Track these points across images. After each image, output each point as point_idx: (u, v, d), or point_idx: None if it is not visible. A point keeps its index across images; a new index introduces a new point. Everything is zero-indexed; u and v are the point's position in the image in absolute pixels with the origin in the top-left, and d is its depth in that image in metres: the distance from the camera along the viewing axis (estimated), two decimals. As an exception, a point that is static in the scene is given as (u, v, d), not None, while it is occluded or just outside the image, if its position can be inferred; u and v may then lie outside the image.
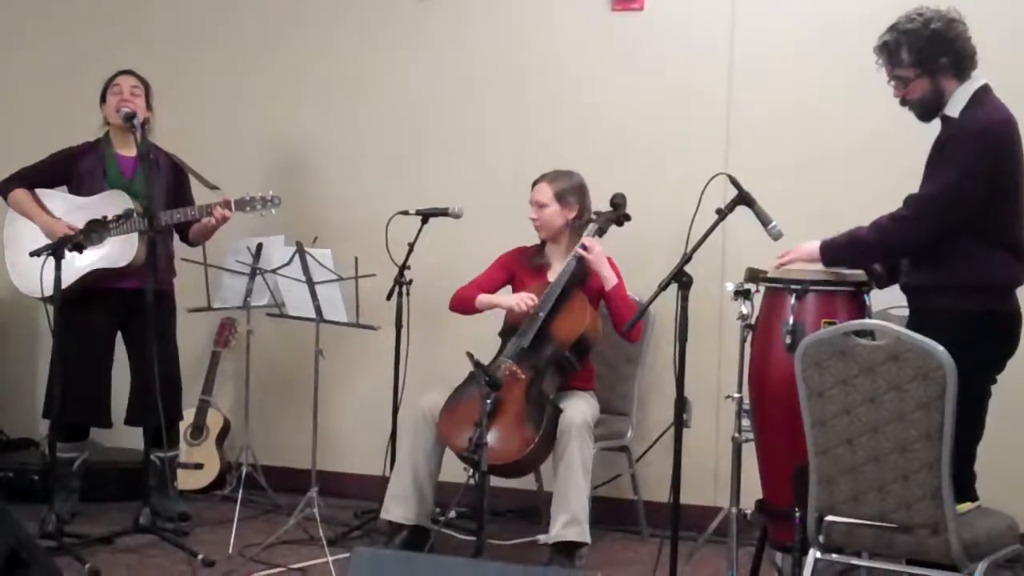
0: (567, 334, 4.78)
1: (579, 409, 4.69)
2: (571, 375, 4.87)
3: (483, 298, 4.96)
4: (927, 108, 3.92)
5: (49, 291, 4.68)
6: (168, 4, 6.22)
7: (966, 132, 3.78)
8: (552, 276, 4.93)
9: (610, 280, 4.83)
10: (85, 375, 5.11)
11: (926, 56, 3.83)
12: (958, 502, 3.47)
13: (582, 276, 4.87)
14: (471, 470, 4.23)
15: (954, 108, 3.85)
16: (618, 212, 5.01)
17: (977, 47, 3.90)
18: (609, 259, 4.90)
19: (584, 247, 4.82)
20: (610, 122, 5.50)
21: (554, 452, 4.66)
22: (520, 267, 5.07)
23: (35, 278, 4.81)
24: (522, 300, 4.82)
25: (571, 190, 4.94)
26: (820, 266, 4.06)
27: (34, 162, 5.29)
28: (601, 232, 4.94)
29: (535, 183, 4.99)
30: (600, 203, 5.03)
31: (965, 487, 3.72)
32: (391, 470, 4.94)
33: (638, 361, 5.23)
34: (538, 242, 5.09)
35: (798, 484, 3.69)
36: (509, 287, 5.07)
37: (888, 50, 3.89)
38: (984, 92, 3.86)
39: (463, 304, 5.00)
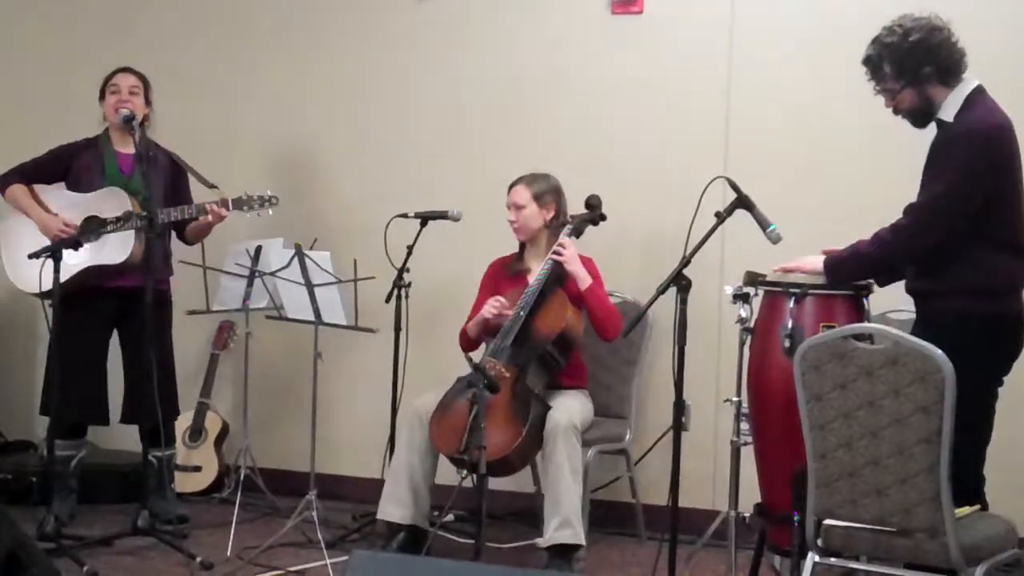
0: (548, 330, 4.79)
1: (566, 409, 4.69)
2: (558, 372, 4.88)
3: (470, 326, 5.01)
4: (919, 116, 3.94)
5: (45, 287, 4.69)
6: (169, 4, 6.22)
7: (961, 136, 3.79)
8: (532, 279, 4.94)
9: (584, 280, 4.84)
10: (82, 373, 5.10)
11: (908, 67, 3.84)
12: (967, 506, 3.48)
13: (561, 277, 4.89)
14: (463, 472, 4.23)
15: (948, 112, 3.87)
16: (594, 213, 5.03)
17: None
18: (590, 260, 4.91)
19: (558, 252, 4.83)
20: (609, 125, 5.50)
21: (543, 454, 4.66)
22: (500, 278, 5.08)
23: (31, 275, 4.84)
24: (490, 308, 4.87)
25: (548, 191, 4.96)
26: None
27: (33, 158, 5.29)
28: (578, 233, 4.95)
29: (512, 186, 5.00)
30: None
31: (974, 491, 3.73)
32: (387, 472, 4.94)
33: (637, 364, 5.23)
34: (516, 249, 5.10)
35: (797, 488, 3.69)
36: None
37: (872, 64, 3.92)
38: (978, 94, 3.86)
39: (464, 342, 5.05)
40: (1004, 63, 4.57)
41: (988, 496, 3.87)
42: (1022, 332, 3.89)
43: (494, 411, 4.58)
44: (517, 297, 4.88)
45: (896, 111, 3.97)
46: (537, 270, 4.93)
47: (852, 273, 4.01)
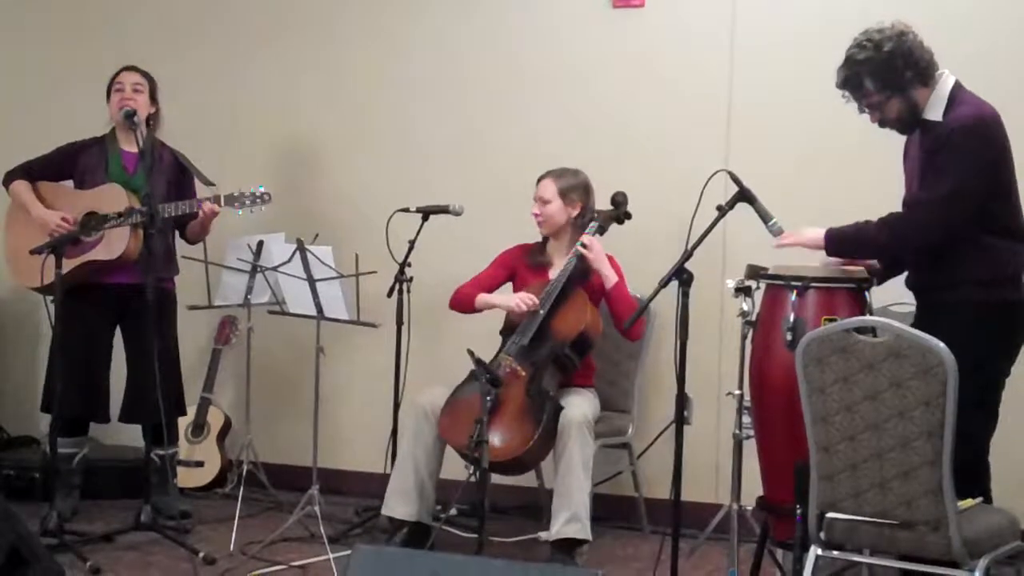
0: (567, 331, 4.78)
1: (579, 407, 4.69)
2: (573, 372, 4.87)
3: (482, 298, 4.97)
4: (906, 122, 3.95)
5: (46, 280, 4.71)
6: (168, 0, 6.22)
7: (963, 130, 3.79)
8: (553, 274, 4.93)
9: (610, 278, 4.84)
10: (82, 369, 5.11)
11: (890, 77, 3.86)
12: (970, 497, 3.48)
13: (583, 274, 4.88)
14: (472, 467, 4.24)
15: (935, 112, 3.88)
16: (619, 210, 5.02)
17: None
18: (611, 258, 4.91)
19: (584, 245, 4.82)
20: (611, 119, 5.50)
21: (555, 450, 4.66)
22: (521, 265, 5.07)
23: (32, 269, 4.85)
24: (522, 300, 4.83)
25: (575, 188, 4.95)
26: (820, 256, 4.07)
27: (39, 155, 5.30)
28: (602, 230, 4.94)
29: (540, 179, 4.99)
30: (599, 201, 5.04)
31: (977, 483, 3.73)
32: (392, 467, 4.94)
33: (639, 358, 5.23)
34: (540, 239, 5.09)
35: (799, 481, 3.69)
36: (510, 285, 5.08)
37: (851, 84, 3.93)
38: (959, 90, 3.89)
39: (463, 303, 5.01)
40: (979, 64, 4.56)
41: (993, 489, 3.87)
42: None
43: (508, 411, 4.58)
44: (538, 292, 4.87)
45: (882, 124, 3.98)
46: (559, 265, 4.93)
47: (853, 251, 4.01)
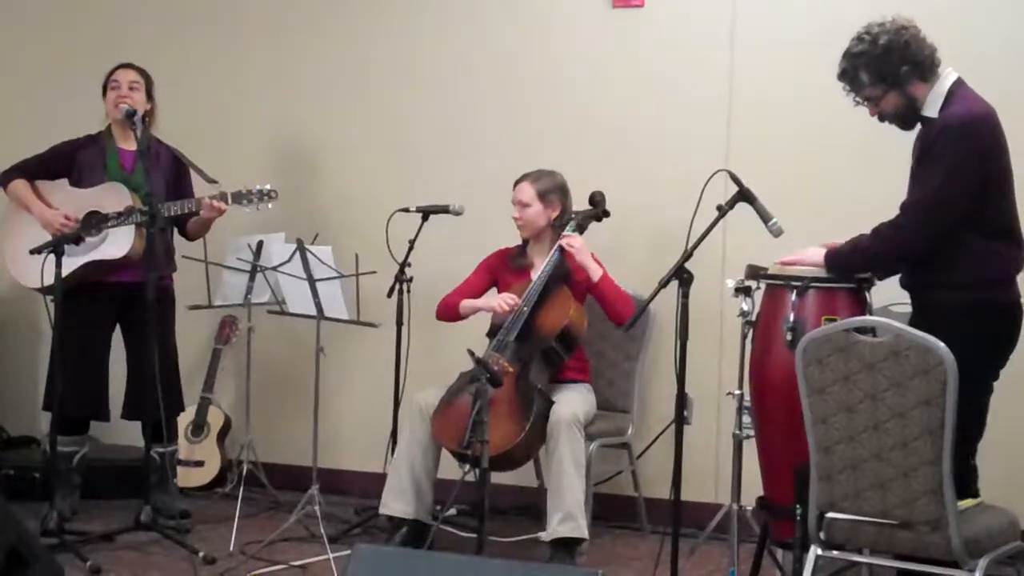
0: (552, 326, 4.80)
1: (569, 403, 4.69)
2: (562, 367, 4.89)
3: (466, 303, 4.99)
4: (905, 117, 3.96)
5: (47, 281, 4.71)
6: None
7: (950, 130, 3.79)
8: (535, 275, 4.94)
9: (596, 271, 4.84)
10: (83, 368, 5.11)
11: (885, 71, 3.86)
12: (960, 499, 3.48)
13: (565, 271, 4.90)
14: (466, 466, 4.24)
15: (932, 108, 3.88)
16: (597, 209, 5.04)
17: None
18: (592, 255, 4.91)
19: (570, 244, 4.83)
20: (611, 119, 5.50)
21: (546, 447, 4.67)
22: (503, 269, 5.09)
23: (33, 270, 4.85)
24: (503, 301, 4.86)
25: (553, 189, 4.96)
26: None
27: (36, 154, 5.30)
28: (581, 229, 4.97)
29: (517, 182, 5.00)
30: (580, 201, 5.05)
31: (967, 484, 3.72)
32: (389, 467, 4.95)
33: (639, 358, 5.23)
34: (520, 243, 5.10)
35: (799, 481, 3.69)
36: (494, 290, 5.09)
37: (848, 77, 3.94)
38: (959, 87, 3.88)
39: (448, 312, 5.04)
40: (979, 64, 4.56)
41: (992, 489, 3.87)
42: (1019, 321, 3.90)
43: (497, 406, 4.58)
44: (520, 293, 4.89)
45: (881, 118, 3.99)
46: (540, 267, 4.93)
47: (852, 267, 4.02)
